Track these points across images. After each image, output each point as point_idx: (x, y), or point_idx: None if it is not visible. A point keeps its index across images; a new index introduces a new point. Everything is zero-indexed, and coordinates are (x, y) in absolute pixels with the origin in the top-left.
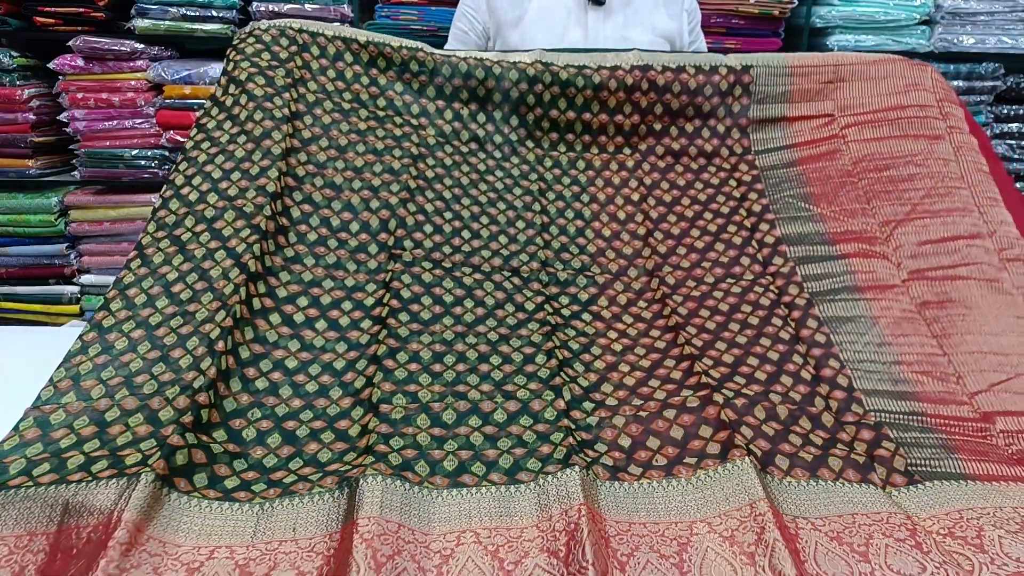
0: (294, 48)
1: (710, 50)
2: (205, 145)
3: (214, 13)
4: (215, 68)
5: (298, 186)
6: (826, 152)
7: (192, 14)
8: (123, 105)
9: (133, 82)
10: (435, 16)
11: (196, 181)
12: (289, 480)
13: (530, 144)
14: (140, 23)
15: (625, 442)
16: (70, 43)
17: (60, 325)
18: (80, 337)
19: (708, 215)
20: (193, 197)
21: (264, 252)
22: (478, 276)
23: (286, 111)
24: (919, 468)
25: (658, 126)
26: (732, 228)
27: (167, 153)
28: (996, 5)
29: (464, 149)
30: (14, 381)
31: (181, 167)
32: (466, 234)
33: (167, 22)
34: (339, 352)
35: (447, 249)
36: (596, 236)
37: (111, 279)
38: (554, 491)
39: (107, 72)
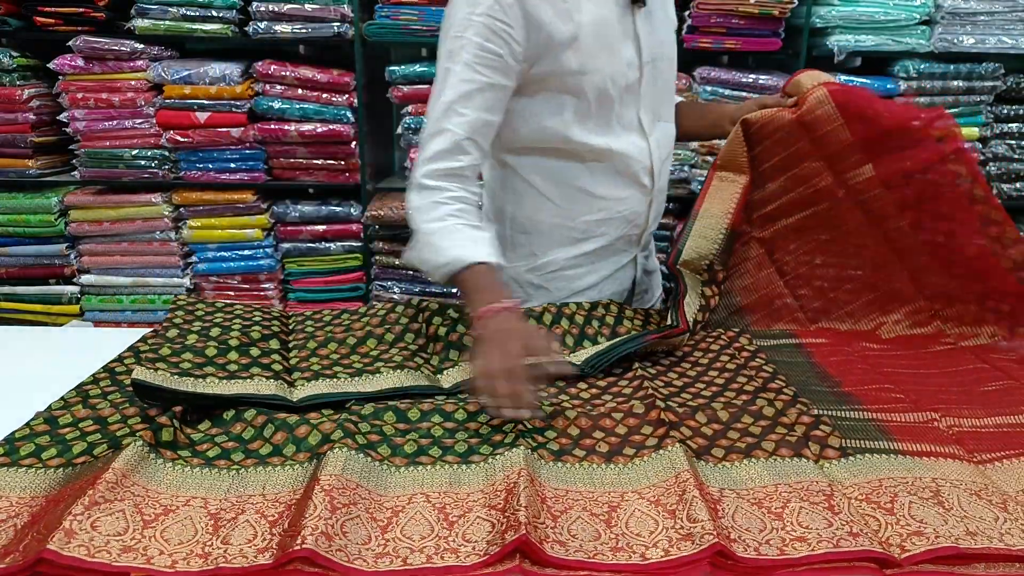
0: None
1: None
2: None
3: (214, 13)
4: (215, 68)
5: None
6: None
7: (192, 14)
8: (123, 105)
9: (133, 82)
10: (435, 16)
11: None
12: (265, 451)
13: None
14: (140, 23)
15: (574, 432)
16: (70, 43)
17: (60, 325)
18: (93, 375)
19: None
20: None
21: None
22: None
23: None
24: (853, 445)
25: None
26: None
27: (167, 153)
28: (996, 5)
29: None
30: (14, 381)
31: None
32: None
33: (167, 22)
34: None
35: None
36: None
37: (111, 279)
38: (500, 464)
39: (107, 72)
